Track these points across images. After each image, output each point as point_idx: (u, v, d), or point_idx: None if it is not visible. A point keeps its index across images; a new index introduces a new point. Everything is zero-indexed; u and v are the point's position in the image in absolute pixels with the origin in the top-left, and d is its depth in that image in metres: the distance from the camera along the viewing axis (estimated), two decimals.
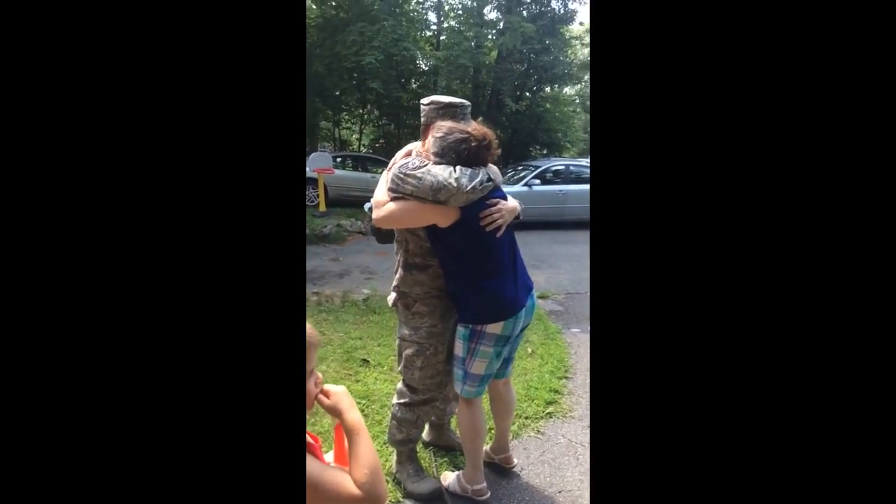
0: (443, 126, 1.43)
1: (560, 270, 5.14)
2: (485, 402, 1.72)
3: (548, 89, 13.96)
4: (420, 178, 1.36)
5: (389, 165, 1.52)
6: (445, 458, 1.88)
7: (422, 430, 1.74)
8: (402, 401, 1.66)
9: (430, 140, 1.45)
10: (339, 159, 9.88)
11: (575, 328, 3.39)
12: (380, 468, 0.77)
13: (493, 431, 1.83)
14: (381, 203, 1.45)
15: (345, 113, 13.73)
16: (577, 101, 16.02)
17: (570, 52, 13.71)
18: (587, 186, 7.92)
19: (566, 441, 2.02)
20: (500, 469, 1.81)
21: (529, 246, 6.12)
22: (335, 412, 0.81)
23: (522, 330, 1.59)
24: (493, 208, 1.43)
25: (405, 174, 1.38)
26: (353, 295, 3.90)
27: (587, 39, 15.11)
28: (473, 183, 1.36)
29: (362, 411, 2.14)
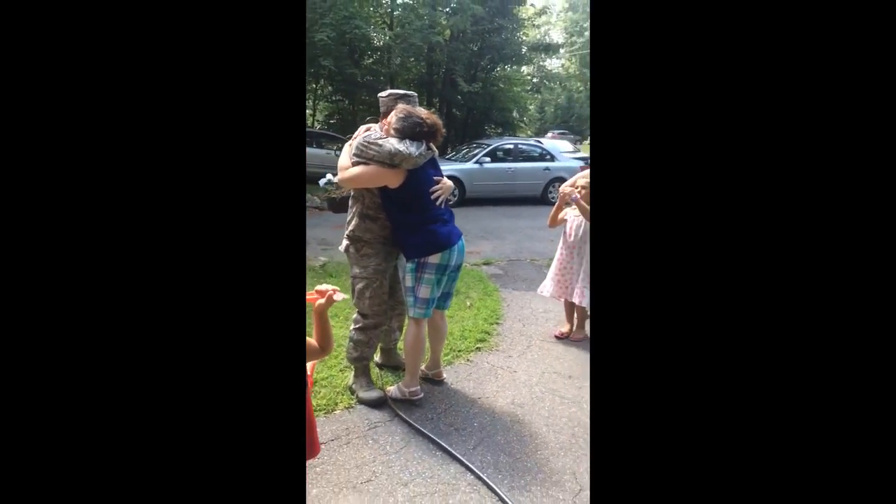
0: (404, 109, 1.97)
1: (505, 241, 5.60)
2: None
3: (500, 69, 14.26)
4: (381, 146, 1.88)
5: (352, 139, 2.03)
6: (391, 377, 2.35)
7: (374, 350, 2.20)
8: (356, 326, 2.14)
9: (392, 118, 1.96)
10: None
11: (512, 288, 3.87)
12: (330, 333, 1.25)
13: (429, 354, 2.30)
14: (346, 167, 1.97)
15: None
16: (534, 80, 16.38)
17: (522, 32, 14.04)
18: (535, 164, 8.42)
19: (489, 366, 2.50)
20: (433, 382, 2.32)
21: (479, 220, 6.57)
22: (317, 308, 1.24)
23: (457, 270, 2.10)
24: (438, 186, 2.01)
25: (369, 143, 1.91)
26: (311, 262, 4.23)
27: (538, 21, 15.50)
28: (420, 151, 1.91)
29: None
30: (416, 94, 2.10)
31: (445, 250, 1.97)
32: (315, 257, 4.51)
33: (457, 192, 7.75)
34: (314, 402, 2.01)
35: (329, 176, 7.16)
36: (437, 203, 1.98)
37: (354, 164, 1.92)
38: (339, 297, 1.18)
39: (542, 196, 8.31)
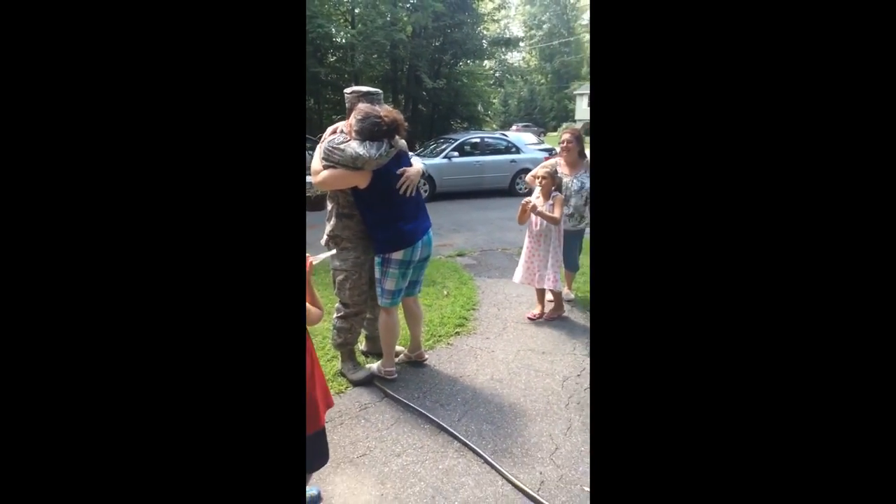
0: (361, 109, 2.03)
1: (477, 233, 5.76)
2: (402, 318, 2.32)
3: (463, 64, 14.39)
4: (343, 151, 1.96)
5: (322, 140, 2.11)
6: (376, 362, 2.46)
7: (356, 335, 2.34)
8: (338, 314, 2.31)
9: (351, 120, 2.04)
10: None
11: (485, 276, 4.05)
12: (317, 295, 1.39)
13: (410, 338, 2.46)
14: (317, 171, 2.06)
15: None
16: (496, 74, 16.54)
17: (483, 27, 14.20)
18: (502, 157, 8.61)
19: (468, 348, 2.67)
20: (416, 363, 2.48)
21: (451, 213, 6.72)
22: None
23: (425, 260, 2.25)
24: (403, 178, 2.08)
25: (332, 148, 2.00)
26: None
27: (497, 15, 15.69)
28: (380, 152, 1.98)
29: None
30: (380, 92, 2.18)
31: (408, 247, 2.10)
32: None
33: (427, 187, 7.89)
34: None
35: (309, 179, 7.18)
36: (404, 193, 2.07)
37: (324, 167, 2.01)
38: (315, 260, 1.36)
39: (509, 187, 8.49)
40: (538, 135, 16.85)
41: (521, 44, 16.42)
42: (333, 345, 2.35)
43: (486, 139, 8.98)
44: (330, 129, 2.14)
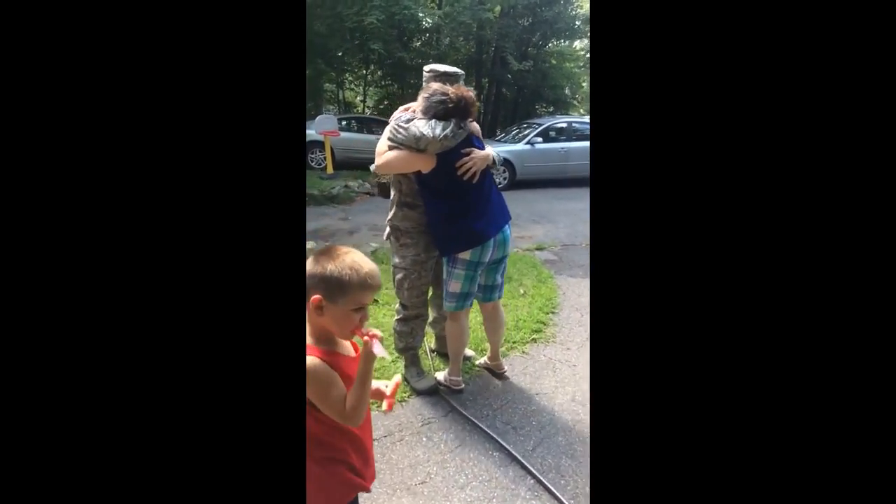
0: (429, 88, 1.79)
1: (558, 225, 5.37)
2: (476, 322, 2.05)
3: (552, 44, 13.68)
4: (408, 130, 1.74)
5: (390, 121, 1.89)
6: (445, 364, 2.26)
7: (419, 339, 2.14)
8: (398, 316, 2.11)
9: (419, 98, 1.81)
10: (343, 122, 9.99)
11: (566, 274, 3.69)
12: (366, 404, 0.90)
13: (490, 346, 2.22)
14: (381, 152, 1.85)
15: (348, 74, 13.67)
16: (584, 55, 15.64)
17: (575, 4, 13.36)
18: (588, 143, 8.03)
19: (546, 359, 2.37)
20: (493, 373, 2.23)
21: (531, 203, 6.35)
22: (363, 355, 0.89)
23: (501, 261, 1.97)
24: (467, 157, 1.79)
25: (398, 126, 1.77)
26: (363, 248, 4.22)
27: None
28: (445, 132, 1.72)
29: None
30: (460, 72, 1.94)
31: (476, 247, 1.82)
32: (366, 243, 4.50)
33: (507, 174, 7.56)
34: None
35: None
36: (467, 178, 1.78)
37: (389, 148, 1.80)
38: (378, 350, 0.86)
39: None
40: None
41: None
42: (396, 349, 2.17)
43: (573, 124, 8.43)
44: (401, 108, 1.93)
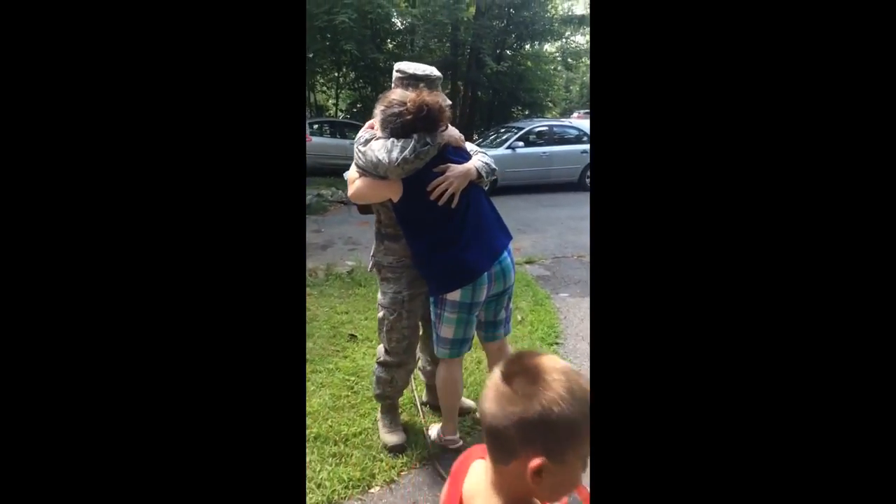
0: (385, 98, 1.43)
1: (546, 234, 5.11)
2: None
3: (528, 46, 13.52)
4: (365, 155, 1.42)
5: (357, 137, 1.54)
6: (437, 416, 1.91)
7: (399, 390, 1.80)
8: (379, 360, 1.76)
9: (375, 112, 1.46)
10: (315, 126, 9.53)
11: (563, 293, 3.38)
12: None
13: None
14: (351, 180, 1.51)
15: (319, 76, 13.16)
16: (559, 58, 15.54)
17: (549, 6, 13.23)
18: (571, 147, 7.82)
19: None
20: None
21: (514, 210, 6.06)
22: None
23: (504, 294, 1.62)
24: (440, 178, 1.42)
25: (357, 150, 1.45)
26: (338, 268, 3.81)
27: None
28: (404, 154, 1.36)
29: (351, 388, 2.10)
30: (437, 74, 1.56)
31: (468, 285, 1.47)
32: (341, 261, 4.09)
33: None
34: (346, 474, 1.57)
35: None
36: (443, 202, 1.41)
37: (359, 175, 1.49)
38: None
39: (579, 181, 7.77)
40: None
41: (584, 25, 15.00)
42: (374, 394, 1.82)
43: (554, 128, 8.27)
44: (367, 124, 1.56)
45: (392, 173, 1.38)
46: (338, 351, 2.43)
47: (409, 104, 1.36)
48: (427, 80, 1.51)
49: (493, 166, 1.58)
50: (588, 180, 7.74)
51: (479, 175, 1.50)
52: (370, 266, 1.72)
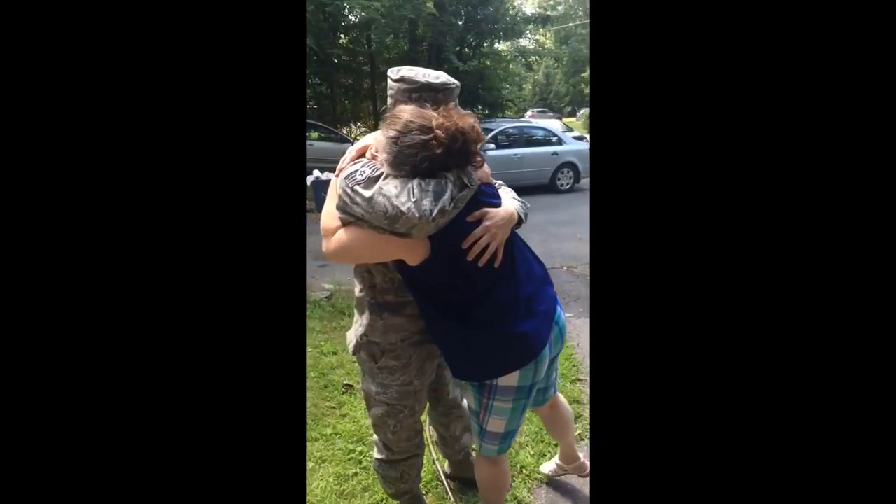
0: (398, 120, 0.97)
1: (530, 244, 4.87)
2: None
3: (487, 45, 13.33)
4: (370, 201, 0.95)
5: (338, 168, 1.09)
6: (470, 493, 1.57)
7: (415, 481, 1.43)
8: (380, 457, 1.37)
9: (380, 140, 1.00)
10: None
11: (568, 313, 3.11)
12: None
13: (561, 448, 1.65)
14: (328, 228, 1.05)
15: None
16: (518, 57, 15.48)
17: (508, 3, 13.07)
18: (542, 149, 7.67)
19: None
20: (580, 476, 1.66)
21: None
22: None
23: (554, 359, 1.27)
24: (478, 230, 1.01)
25: (350, 191, 0.98)
26: (313, 293, 3.36)
27: None
28: (441, 204, 0.93)
29: (359, 462, 1.71)
30: (454, 82, 1.11)
31: (528, 364, 1.10)
32: (315, 283, 3.62)
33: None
34: None
35: (316, 173, 6.25)
36: (483, 262, 1.02)
37: (343, 223, 1.03)
38: None
39: (550, 183, 7.63)
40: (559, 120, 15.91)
41: (531, 25, 14.96)
42: (386, 494, 1.47)
43: (524, 128, 8.09)
44: (354, 148, 1.11)
45: (421, 230, 0.96)
46: (333, 408, 2.03)
47: (437, 131, 0.95)
48: (446, 91, 1.08)
49: (525, 202, 1.21)
50: (559, 182, 7.64)
51: (520, 219, 1.12)
52: (353, 348, 1.24)
